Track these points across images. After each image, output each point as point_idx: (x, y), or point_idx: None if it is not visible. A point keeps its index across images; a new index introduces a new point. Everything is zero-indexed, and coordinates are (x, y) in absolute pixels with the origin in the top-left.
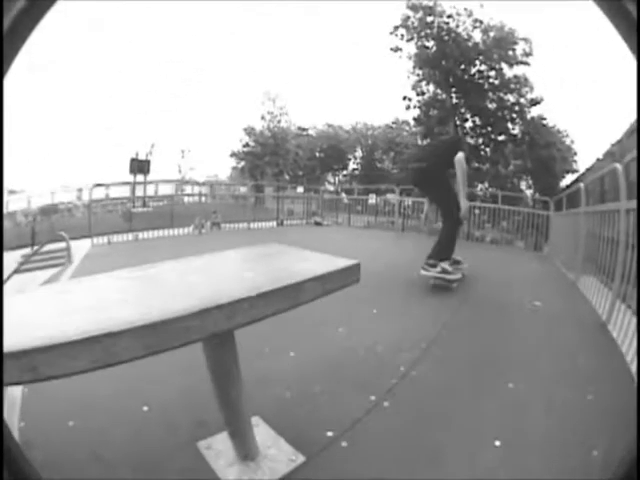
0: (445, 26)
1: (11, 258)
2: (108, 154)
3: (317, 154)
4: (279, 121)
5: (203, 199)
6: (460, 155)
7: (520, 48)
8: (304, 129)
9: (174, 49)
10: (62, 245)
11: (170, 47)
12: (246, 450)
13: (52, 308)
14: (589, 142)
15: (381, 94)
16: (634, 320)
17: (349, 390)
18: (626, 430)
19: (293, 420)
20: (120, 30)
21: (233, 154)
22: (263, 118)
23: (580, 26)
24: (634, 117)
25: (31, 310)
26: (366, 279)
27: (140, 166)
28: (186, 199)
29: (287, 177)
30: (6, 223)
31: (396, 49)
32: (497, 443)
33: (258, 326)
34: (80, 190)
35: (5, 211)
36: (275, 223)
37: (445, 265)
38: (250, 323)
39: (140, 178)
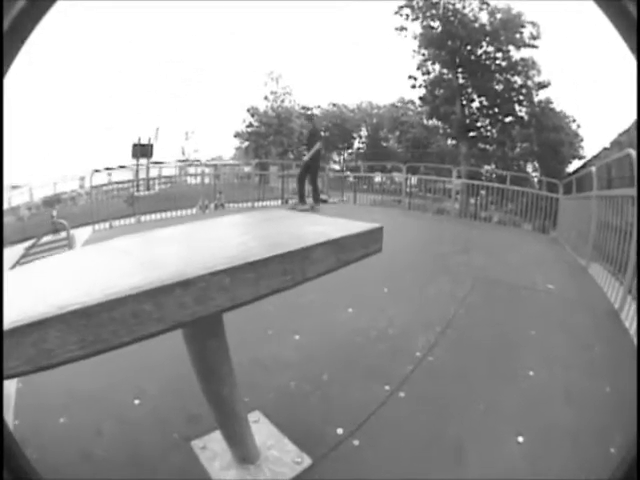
0: (451, 7)
1: (14, 252)
2: (110, 140)
3: (322, 133)
4: (282, 101)
5: (207, 180)
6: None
7: (527, 31)
8: (308, 108)
9: (174, 49)
10: (64, 234)
11: (170, 47)
12: (244, 453)
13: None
14: (594, 130)
15: (386, 73)
16: None
17: (361, 379)
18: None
19: (298, 415)
20: (120, 30)
21: (237, 134)
22: (266, 98)
23: (581, 22)
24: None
25: None
26: (375, 256)
27: (143, 150)
28: (190, 180)
29: (292, 156)
30: (9, 218)
31: (401, 28)
32: (520, 439)
33: (258, 304)
34: (82, 178)
35: (8, 206)
36: (280, 202)
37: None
38: (236, 306)
39: (143, 162)
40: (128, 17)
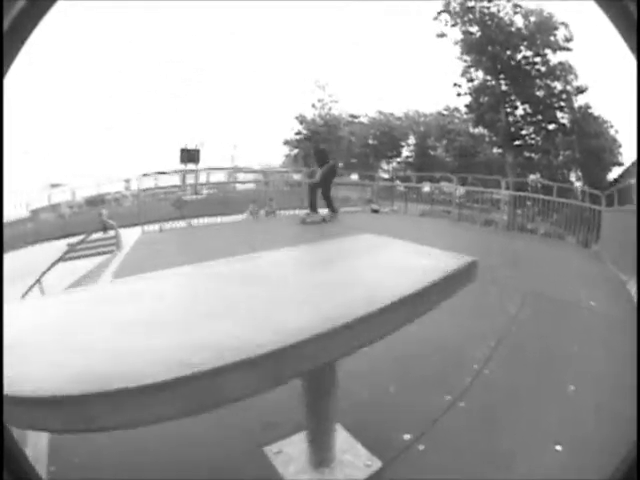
0: (486, 11)
1: (56, 247)
2: (157, 145)
3: (370, 141)
4: (330, 109)
5: (257, 186)
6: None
7: (561, 33)
8: (356, 116)
9: (175, 49)
10: (111, 233)
11: (171, 47)
12: (323, 457)
13: (109, 322)
14: (630, 134)
15: (431, 80)
16: None
17: (424, 389)
18: None
19: (369, 422)
20: (120, 30)
21: (286, 142)
22: (314, 106)
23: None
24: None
25: (78, 324)
26: None
27: (190, 156)
28: (239, 186)
29: (341, 164)
30: (49, 215)
31: (441, 35)
32: (558, 448)
33: None
34: (128, 180)
35: (48, 203)
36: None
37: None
38: (368, 344)
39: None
40: (129, 17)
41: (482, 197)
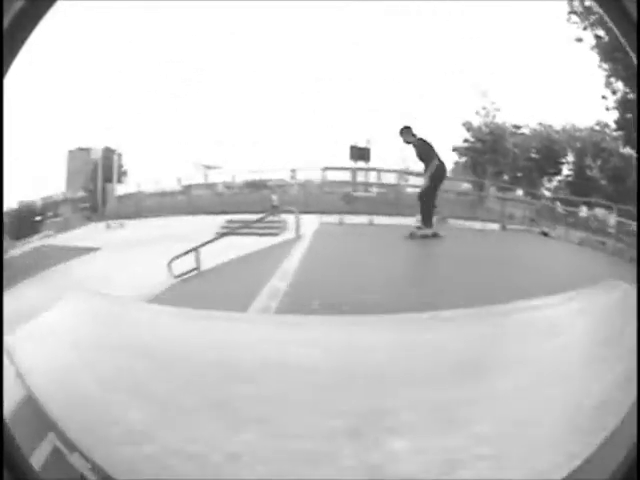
0: (599, 10)
1: (215, 222)
2: (326, 141)
3: (532, 155)
4: (494, 117)
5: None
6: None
7: None
8: (518, 127)
9: (175, 49)
10: (281, 217)
11: (170, 47)
12: None
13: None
14: None
15: (585, 92)
16: None
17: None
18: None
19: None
20: (122, 30)
21: (455, 149)
22: (478, 113)
23: None
24: None
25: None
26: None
27: (360, 154)
28: (410, 189)
29: (506, 177)
30: (204, 192)
31: (578, 40)
32: None
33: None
34: (294, 170)
35: (204, 181)
36: (499, 226)
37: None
38: None
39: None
40: (134, 16)
41: (631, 230)
